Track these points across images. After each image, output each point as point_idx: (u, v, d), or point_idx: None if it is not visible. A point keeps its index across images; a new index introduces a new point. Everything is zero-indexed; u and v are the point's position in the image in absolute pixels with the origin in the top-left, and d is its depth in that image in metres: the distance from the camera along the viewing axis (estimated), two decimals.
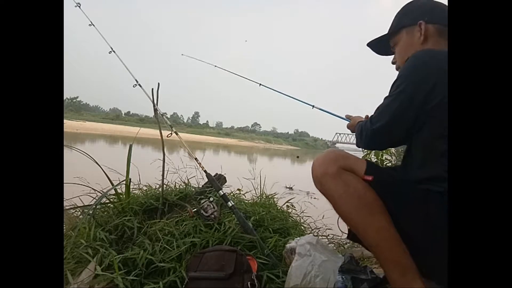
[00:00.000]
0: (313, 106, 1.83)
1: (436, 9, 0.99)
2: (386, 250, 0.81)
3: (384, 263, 0.84)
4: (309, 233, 1.60)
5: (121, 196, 1.43)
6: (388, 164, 2.50)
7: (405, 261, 0.79)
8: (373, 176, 0.85)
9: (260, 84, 1.90)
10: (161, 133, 1.47)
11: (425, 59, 0.85)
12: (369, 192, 0.84)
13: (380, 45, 1.13)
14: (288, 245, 1.16)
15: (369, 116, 0.97)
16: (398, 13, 1.06)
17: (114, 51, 1.69)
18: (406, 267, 0.79)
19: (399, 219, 0.82)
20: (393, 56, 1.09)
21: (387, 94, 0.92)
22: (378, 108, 0.92)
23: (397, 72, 0.95)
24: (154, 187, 1.58)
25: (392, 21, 1.08)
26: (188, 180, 1.66)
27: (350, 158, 0.90)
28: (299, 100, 1.75)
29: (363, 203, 0.84)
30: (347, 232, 1.92)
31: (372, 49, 1.17)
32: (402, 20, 1.03)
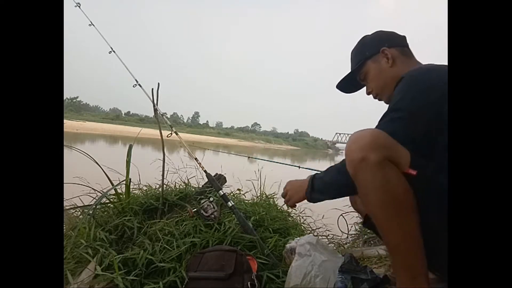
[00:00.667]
0: (299, 167, 2.14)
1: (391, 35, 1.09)
2: (405, 252, 0.77)
3: (398, 264, 0.80)
4: (309, 233, 1.60)
5: (121, 196, 1.43)
6: None
7: (420, 265, 0.76)
8: (417, 171, 0.77)
9: (249, 157, 1.95)
10: (161, 133, 1.47)
11: (423, 77, 0.87)
12: (408, 193, 0.77)
13: (346, 84, 1.18)
14: (288, 245, 1.16)
15: None
16: (355, 49, 1.13)
17: (114, 51, 1.69)
18: (419, 271, 0.76)
19: (433, 214, 0.76)
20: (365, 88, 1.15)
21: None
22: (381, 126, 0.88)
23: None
24: (154, 187, 1.58)
25: (351, 59, 1.15)
26: (188, 180, 1.66)
27: (397, 147, 0.79)
28: (286, 164, 1.85)
29: (397, 203, 0.76)
30: (347, 232, 1.91)
31: (341, 91, 1.22)
32: (364, 53, 1.09)
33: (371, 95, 1.13)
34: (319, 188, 1.01)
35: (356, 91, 1.21)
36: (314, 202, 1.05)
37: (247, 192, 1.71)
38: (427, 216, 0.77)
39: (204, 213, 1.29)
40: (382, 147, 0.77)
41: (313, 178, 1.04)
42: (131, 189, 1.47)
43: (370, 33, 1.12)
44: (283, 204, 1.71)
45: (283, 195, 1.16)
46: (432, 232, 0.76)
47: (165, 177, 1.48)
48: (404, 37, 1.09)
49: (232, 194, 1.65)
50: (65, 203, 1.41)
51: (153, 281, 1.00)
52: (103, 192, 1.40)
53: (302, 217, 1.72)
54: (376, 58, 1.07)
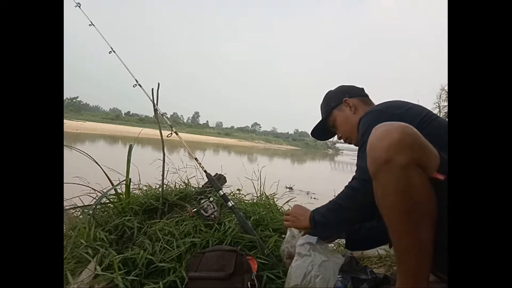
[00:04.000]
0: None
1: (351, 87, 1.27)
2: (414, 258, 0.74)
3: (403, 266, 0.77)
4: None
5: (121, 196, 1.43)
6: None
7: (425, 270, 0.75)
8: (445, 176, 0.70)
9: None
10: (161, 133, 1.47)
11: (377, 113, 0.97)
12: (429, 201, 0.72)
13: (320, 132, 1.35)
14: (282, 247, 1.17)
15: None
16: (322, 102, 1.31)
17: (114, 51, 1.69)
18: (422, 276, 0.75)
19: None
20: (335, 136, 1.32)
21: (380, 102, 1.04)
22: (360, 166, 0.95)
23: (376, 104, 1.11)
24: (154, 187, 1.57)
25: (320, 110, 1.32)
26: (188, 180, 1.66)
27: (427, 148, 0.73)
28: None
29: (417, 211, 0.71)
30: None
31: (316, 138, 1.39)
32: (330, 104, 1.26)
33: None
34: (320, 222, 1.06)
35: (329, 138, 1.39)
36: (320, 238, 1.13)
37: (248, 194, 1.71)
38: (445, 218, 0.75)
39: (204, 213, 1.29)
40: (411, 147, 0.70)
41: (314, 212, 1.09)
42: (131, 189, 1.47)
43: (333, 89, 1.31)
44: (284, 204, 1.72)
45: (285, 217, 1.21)
46: (444, 233, 0.74)
47: (165, 177, 1.48)
48: (362, 89, 1.27)
49: (232, 194, 1.65)
50: (65, 203, 1.40)
51: (153, 281, 1.00)
52: (103, 192, 1.40)
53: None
54: (340, 108, 1.23)
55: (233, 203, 1.30)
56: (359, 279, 1.03)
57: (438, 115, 1.13)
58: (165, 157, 1.46)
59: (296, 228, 1.17)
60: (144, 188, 1.59)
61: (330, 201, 1.05)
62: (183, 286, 0.99)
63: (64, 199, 1.35)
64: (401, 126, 0.72)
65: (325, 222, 1.04)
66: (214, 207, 1.31)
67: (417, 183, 0.71)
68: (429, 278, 0.77)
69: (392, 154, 0.70)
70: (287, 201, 1.76)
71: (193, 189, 1.58)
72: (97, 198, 1.40)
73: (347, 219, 1.03)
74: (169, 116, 1.67)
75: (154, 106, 1.49)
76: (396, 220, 0.74)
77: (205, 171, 1.45)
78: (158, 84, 1.48)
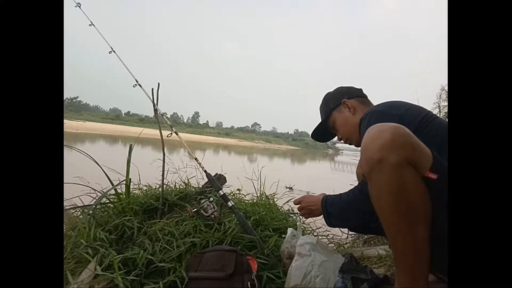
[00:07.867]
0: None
1: (350, 89, 1.27)
2: (411, 257, 0.74)
3: (401, 266, 0.77)
4: (309, 233, 1.60)
5: (121, 196, 1.43)
6: None
7: (423, 268, 0.75)
8: (438, 175, 0.71)
9: None
10: (161, 133, 1.47)
11: (377, 113, 0.97)
12: (423, 200, 0.72)
13: (321, 135, 1.36)
14: (283, 247, 1.17)
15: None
16: (321, 104, 1.32)
17: (114, 51, 1.69)
18: (421, 275, 0.75)
19: (444, 216, 0.70)
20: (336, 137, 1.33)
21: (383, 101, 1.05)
22: None
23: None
24: (154, 187, 1.57)
25: (320, 112, 1.33)
26: (188, 180, 1.66)
27: (419, 147, 0.73)
28: None
29: (411, 210, 0.72)
30: (347, 232, 1.91)
31: (317, 140, 1.41)
32: (329, 106, 1.27)
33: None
34: (334, 212, 1.12)
35: (330, 139, 1.41)
36: (333, 227, 1.21)
37: (248, 194, 1.71)
38: (439, 218, 0.74)
39: (204, 213, 1.29)
40: (403, 147, 0.71)
41: (325, 202, 1.14)
42: (131, 189, 1.47)
43: (331, 90, 1.31)
44: (284, 204, 1.72)
45: (300, 209, 1.27)
46: (441, 234, 0.72)
47: (165, 177, 1.48)
48: (360, 90, 1.27)
49: (232, 194, 1.65)
50: (65, 203, 1.40)
51: (153, 281, 1.00)
52: (103, 192, 1.40)
53: (302, 217, 1.72)
54: (339, 109, 1.24)
55: (233, 203, 1.30)
56: (359, 279, 1.03)
57: (438, 115, 1.14)
58: (165, 157, 1.46)
59: (313, 217, 1.25)
60: (144, 188, 1.59)
61: (341, 202, 1.09)
62: (183, 286, 0.99)
63: (64, 199, 1.36)
64: (394, 127, 0.73)
65: (338, 216, 1.11)
66: (214, 207, 1.31)
67: (410, 182, 0.71)
68: (428, 277, 0.77)
69: (385, 154, 0.70)
70: (287, 201, 1.76)
71: (193, 189, 1.58)
72: (97, 198, 1.40)
73: (361, 218, 1.07)
74: (169, 116, 1.67)
75: (154, 106, 1.49)
76: (390, 220, 0.75)
77: (205, 171, 1.45)
78: (158, 84, 1.48)
